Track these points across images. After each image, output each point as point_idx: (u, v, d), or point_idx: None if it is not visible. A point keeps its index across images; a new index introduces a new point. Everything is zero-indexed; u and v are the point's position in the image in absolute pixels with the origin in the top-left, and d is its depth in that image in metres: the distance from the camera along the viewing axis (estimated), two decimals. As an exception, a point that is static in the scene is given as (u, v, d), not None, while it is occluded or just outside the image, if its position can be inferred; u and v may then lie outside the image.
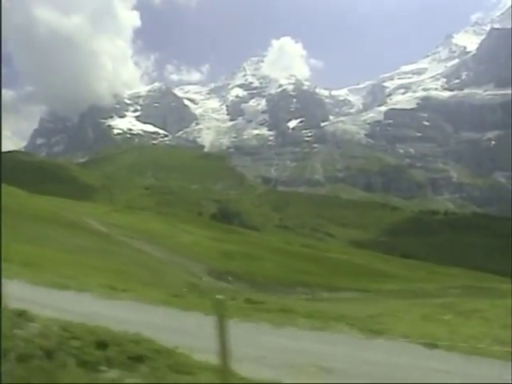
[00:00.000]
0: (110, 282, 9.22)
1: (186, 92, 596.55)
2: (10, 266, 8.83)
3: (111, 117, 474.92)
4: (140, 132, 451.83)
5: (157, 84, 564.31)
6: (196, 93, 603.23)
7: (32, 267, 9.13)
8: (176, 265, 20.76)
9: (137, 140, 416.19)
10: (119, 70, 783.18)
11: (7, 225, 17.16)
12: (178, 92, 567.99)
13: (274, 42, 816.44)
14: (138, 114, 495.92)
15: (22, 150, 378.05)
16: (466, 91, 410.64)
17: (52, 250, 13.37)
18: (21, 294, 5.94)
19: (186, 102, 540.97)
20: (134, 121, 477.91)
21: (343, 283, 22.94)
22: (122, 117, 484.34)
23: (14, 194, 35.27)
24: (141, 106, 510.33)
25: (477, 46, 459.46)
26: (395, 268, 38.81)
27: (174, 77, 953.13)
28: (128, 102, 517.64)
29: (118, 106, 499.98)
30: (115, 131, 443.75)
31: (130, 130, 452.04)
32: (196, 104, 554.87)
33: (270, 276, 22.14)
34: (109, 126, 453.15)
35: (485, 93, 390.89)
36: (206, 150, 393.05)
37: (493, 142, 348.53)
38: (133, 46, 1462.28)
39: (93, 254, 15.11)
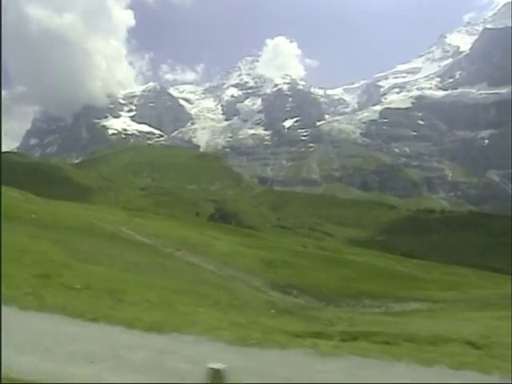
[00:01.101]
0: (220, 313, 7.89)
1: (181, 92, 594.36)
2: (102, 294, 7.98)
3: (106, 117, 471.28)
4: (135, 132, 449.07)
5: (151, 84, 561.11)
6: (191, 92, 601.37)
7: (117, 294, 8.20)
8: (235, 279, 19.47)
9: (132, 140, 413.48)
10: (113, 69, 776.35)
11: (59, 240, 16.04)
12: (172, 92, 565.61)
13: (269, 42, 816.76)
14: (132, 114, 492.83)
15: (15, 150, 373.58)
16: (459, 90, 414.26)
17: (120, 270, 12.10)
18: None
19: (181, 102, 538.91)
20: (128, 121, 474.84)
21: (396, 292, 21.49)
22: (117, 117, 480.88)
23: (32, 200, 33.62)
24: (135, 105, 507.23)
25: (470, 45, 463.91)
26: (413, 270, 38.34)
27: (169, 76, 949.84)
28: (122, 101, 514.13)
29: (112, 106, 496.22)
30: (110, 131, 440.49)
31: (125, 130, 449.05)
32: (191, 104, 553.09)
33: (327, 286, 20.75)
34: (103, 126, 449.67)
35: (478, 92, 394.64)
36: (201, 149, 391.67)
37: (486, 141, 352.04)
38: (127, 46, 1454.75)
39: (159, 273, 13.99)
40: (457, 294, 23.90)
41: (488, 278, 35.86)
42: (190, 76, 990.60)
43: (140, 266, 14.39)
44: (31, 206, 27.90)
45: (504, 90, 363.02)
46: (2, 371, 4.17)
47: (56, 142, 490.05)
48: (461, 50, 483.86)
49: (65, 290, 8.06)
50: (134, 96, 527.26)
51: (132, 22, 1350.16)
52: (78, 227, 22.99)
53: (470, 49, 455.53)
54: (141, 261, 16.00)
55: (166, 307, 7.77)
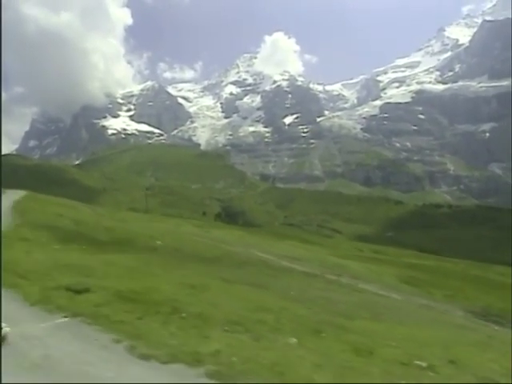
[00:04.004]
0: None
1: (180, 90, 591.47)
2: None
3: (105, 117, 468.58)
4: (135, 132, 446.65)
5: (150, 83, 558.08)
6: (190, 91, 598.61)
7: (476, 371, 5.39)
8: (433, 309, 15.00)
9: (132, 140, 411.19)
10: (111, 68, 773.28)
11: (250, 282, 12.81)
12: (171, 90, 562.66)
13: (267, 38, 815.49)
14: (131, 113, 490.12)
15: (14, 152, 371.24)
16: (459, 84, 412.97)
17: (372, 321, 9.22)
18: None
19: (180, 101, 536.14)
20: (128, 120, 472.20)
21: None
22: (116, 117, 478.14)
23: (103, 214, 29.88)
24: (134, 105, 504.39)
25: (469, 38, 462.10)
26: (474, 271, 36.70)
27: (167, 75, 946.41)
28: (121, 101, 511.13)
29: (111, 106, 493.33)
30: (109, 131, 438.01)
31: (125, 129, 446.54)
32: (190, 102, 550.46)
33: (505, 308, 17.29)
34: (103, 126, 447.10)
35: (478, 85, 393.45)
36: (201, 148, 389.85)
37: (488, 134, 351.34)
38: (125, 45, 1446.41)
39: (395, 317, 10.63)
40: None
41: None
42: (189, 74, 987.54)
43: (374, 311, 10.88)
44: (122, 224, 24.45)
45: (505, 83, 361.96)
46: None
47: (55, 143, 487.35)
48: (460, 42, 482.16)
49: (418, 375, 5.19)
50: (132, 95, 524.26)
51: (129, 20, 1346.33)
52: (223, 256, 19.34)
53: (470, 41, 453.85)
54: (357, 302, 12.50)
55: None
